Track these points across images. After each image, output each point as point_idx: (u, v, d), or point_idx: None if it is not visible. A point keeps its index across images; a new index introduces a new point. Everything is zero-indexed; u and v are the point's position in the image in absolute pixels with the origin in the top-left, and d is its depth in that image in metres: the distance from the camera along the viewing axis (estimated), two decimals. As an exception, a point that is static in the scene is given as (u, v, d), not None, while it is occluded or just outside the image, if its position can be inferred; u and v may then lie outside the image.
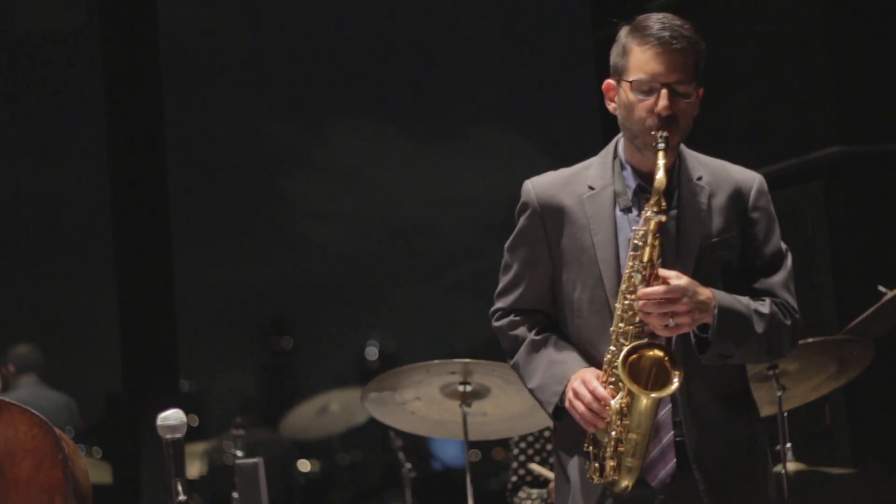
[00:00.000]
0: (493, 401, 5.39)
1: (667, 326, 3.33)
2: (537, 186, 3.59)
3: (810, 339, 5.21)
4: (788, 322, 3.49)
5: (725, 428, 3.49)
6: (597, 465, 3.44)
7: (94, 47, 8.22)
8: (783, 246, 3.58)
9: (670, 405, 3.45)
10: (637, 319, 3.37)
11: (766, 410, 5.39)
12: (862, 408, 6.87)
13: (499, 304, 3.67)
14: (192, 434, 7.97)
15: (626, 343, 3.38)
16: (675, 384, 3.32)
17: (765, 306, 3.46)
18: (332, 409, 9.10)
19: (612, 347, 3.40)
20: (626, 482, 3.41)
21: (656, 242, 3.37)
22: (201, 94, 10.38)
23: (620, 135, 3.58)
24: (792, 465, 5.32)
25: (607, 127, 7.84)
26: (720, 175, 3.56)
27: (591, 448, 3.45)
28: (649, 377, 3.37)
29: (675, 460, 3.45)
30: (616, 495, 3.45)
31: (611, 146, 3.60)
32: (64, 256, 9.55)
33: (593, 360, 3.49)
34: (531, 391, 3.59)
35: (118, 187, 7.86)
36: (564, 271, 3.55)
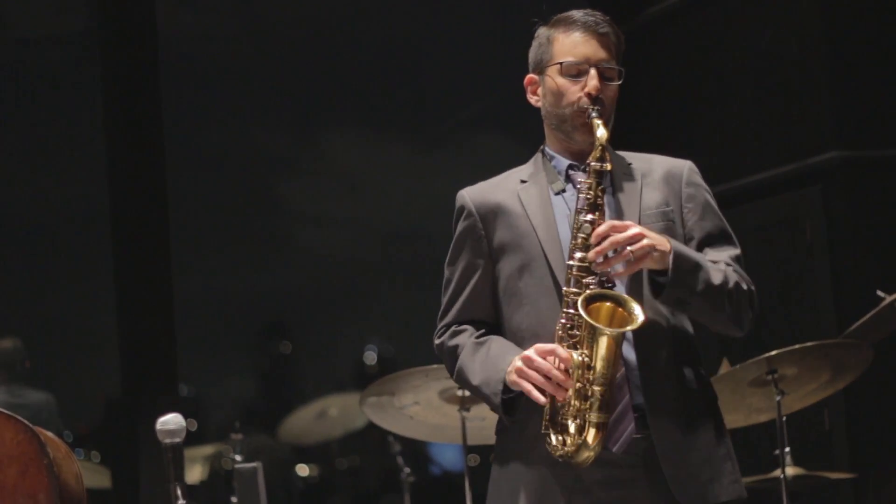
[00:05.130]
0: (493, 405, 5.39)
1: (628, 262, 3.29)
2: (471, 192, 3.65)
3: (809, 343, 5.22)
4: (745, 287, 3.46)
5: (682, 393, 3.43)
6: (559, 437, 3.31)
7: (93, 52, 8.22)
8: (731, 234, 3.57)
9: (624, 368, 3.38)
10: (587, 279, 3.33)
11: (765, 415, 5.41)
12: (861, 412, 6.87)
13: (440, 325, 3.64)
14: (191, 439, 7.96)
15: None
16: (640, 317, 3.26)
17: (719, 263, 3.45)
18: (330, 414, 9.09)
19: (565, 309, 3.34)
20: (588, 453, 3.27)
21: (600, 191, 3.38)
22: (200, 100, 10.39)
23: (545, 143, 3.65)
24: (791, 470, 5.33)
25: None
26: (650, 162, 3.62)
27: (549, 425, 3.33)
28: (608, 323, 3.30)
29: (633, 423, 3.38)
30: (582, 474, 3.35)
31: (538, 152, 3.67)
32: (63, 261, 9.53)
33: (547, 342, 3.38)
34: (475, 390, 3.51)
35: (117, 192, 7.86)
36: (506, 262, 3.54)
